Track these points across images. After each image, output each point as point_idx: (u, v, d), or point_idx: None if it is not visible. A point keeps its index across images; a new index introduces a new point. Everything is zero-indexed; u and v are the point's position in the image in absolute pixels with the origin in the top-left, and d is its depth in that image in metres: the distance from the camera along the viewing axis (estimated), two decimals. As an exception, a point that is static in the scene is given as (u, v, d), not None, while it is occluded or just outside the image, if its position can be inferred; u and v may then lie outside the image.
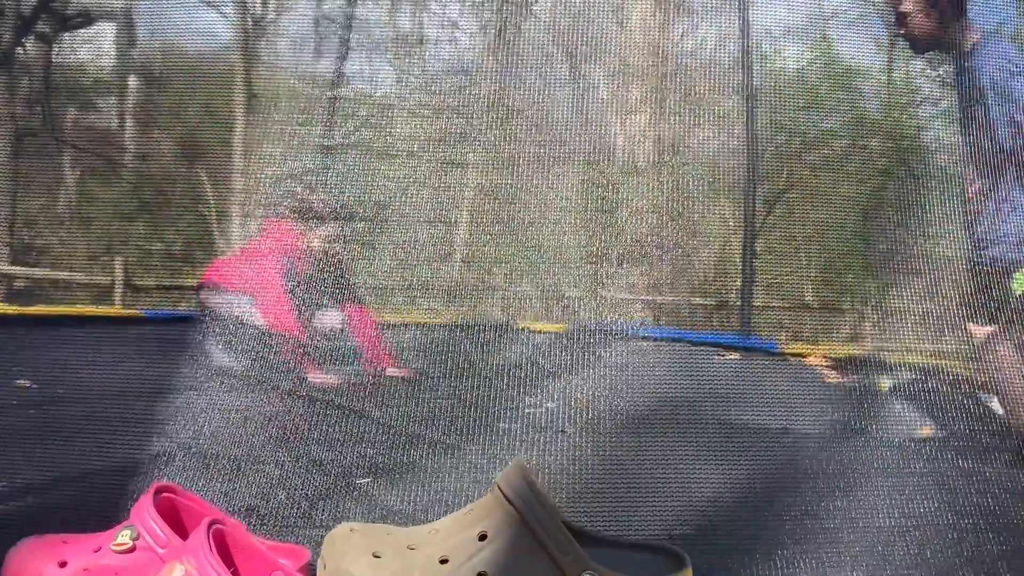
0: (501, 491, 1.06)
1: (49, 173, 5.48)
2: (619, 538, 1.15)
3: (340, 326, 2.83)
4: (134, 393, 1.95)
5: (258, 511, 1.31)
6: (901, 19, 2.50)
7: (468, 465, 1.62)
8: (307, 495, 1.39)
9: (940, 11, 2.42)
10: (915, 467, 1.70)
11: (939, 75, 4.26)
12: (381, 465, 1.59)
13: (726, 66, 4.08)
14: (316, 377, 2.51)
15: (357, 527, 1.10)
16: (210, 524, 0.99)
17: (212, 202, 5.55)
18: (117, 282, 5.04)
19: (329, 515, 1.33)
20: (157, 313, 3.59)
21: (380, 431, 1.80)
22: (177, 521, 1.08)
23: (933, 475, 1.65)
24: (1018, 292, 2.30)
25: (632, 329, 3.29)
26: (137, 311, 3.66)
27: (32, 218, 5.44)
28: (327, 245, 2.71)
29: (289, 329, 2.53)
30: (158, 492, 1.08)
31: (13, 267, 5.12)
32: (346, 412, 1.95)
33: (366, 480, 1.52)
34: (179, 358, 1.88)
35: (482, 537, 1.05)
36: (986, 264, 2.38)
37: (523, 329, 3.60)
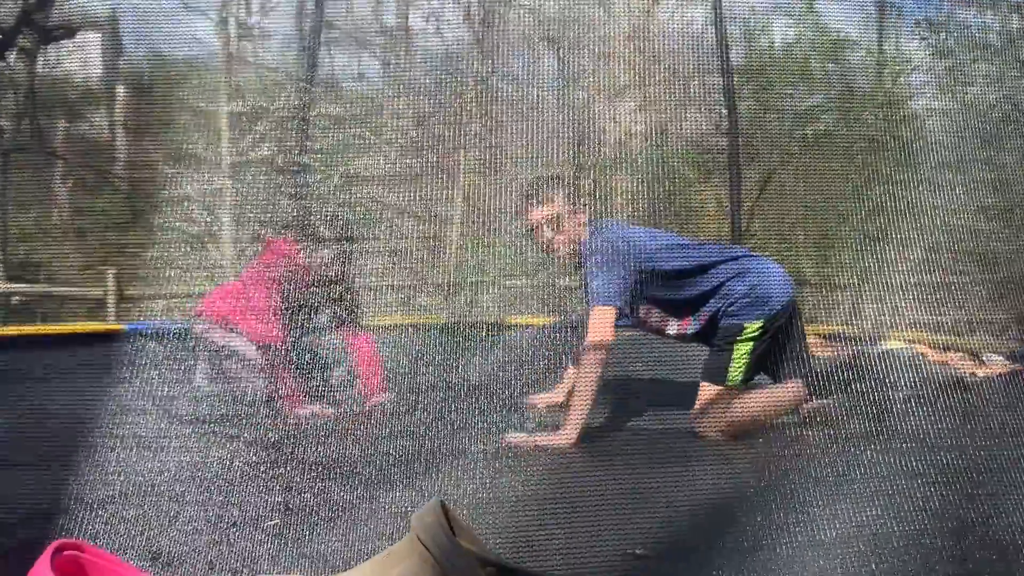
0: (416, 533, 1.02)
1: (39, 187, 5.48)
2: (545, 572, 1.11)
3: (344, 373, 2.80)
4: (65, 432, 1.91)
5: (171, 563, 1.27)
6: (537, 230, 2.65)
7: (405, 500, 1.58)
8: (224, 545, 1.35)
9: (571, 218, 2.62)
10: (856, 473, 1.65)
11: (929, 43, 4.17)
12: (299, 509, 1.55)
13: (713, 46, 4.01)
14: (305, 409, 2.49)
15: (268, 578, 1.07)
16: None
17: (202, 209, 5.52)
18: (110, 294, 5.02)
19: (248, 566, 1.29)
20: (138, 327, 3.56)
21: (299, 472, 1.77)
22: (84, 578, 1.05)
23: (877, 479, 1.60)
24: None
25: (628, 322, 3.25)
26: (118, 325, 3.63)
27: (25, 233, 5.44)
28: (330, 260, 2.68)
29: (273, 340, 2.50)
30: (59, 549, 1.04)
31: (7, 284, 5.12)
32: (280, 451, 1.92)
33: (273, 522, 1.49)
34: (111, 390, 1.84)
35: (396, 582, 1.01)
36: None
37: (515, 325, 3.56)
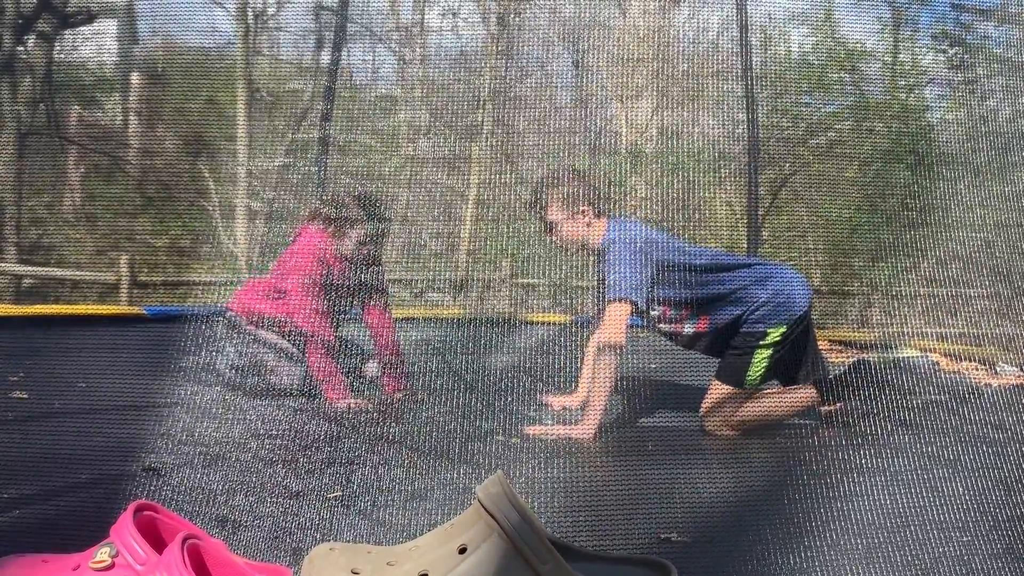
0: (480, 503, 1.05)
1: (54, 171, 5.50)
2: (603, 551, 1.14)
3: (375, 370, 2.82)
4: (125, 406, 1.94)
5: (237, 530, 1.30)
6: (550, 227, 2.64)
7: (458, 479, 1.61)
8: (288, 515, 1.38)
9: (582, 216, 2.62)
10: (899, 464, 1.68)
11: (945, 56, 4.21)
12: (376, 481, 1.58)
13: (729, 51, 4.04)
14: (342, 401, 2.52)
15: (337, 546, 1.09)
16: (185, 539, 0.98)
17: (216, 197, 5.55)
18: (123, 279, 5.05)
19: (310, 536, 1.32)
20: (159, 310, 3.58)
21: (378, 445, 1.80)
22: (158, 539, 1.08)
23: (919, 471, 1.63)
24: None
25: (638, 321, 3.28)
26: (139, 309, 3.65)
27: (38, 217, 5.46)
28: (359, 249, 2.71)
29: (323, 332, 2.54)
30: (139, 510, 1.07)
31: (20, 266, 5.14)
32: (340, 427, 1.95)
33: (335, 494, 1.51)
34: (173, 368, 1.87)
35: (462, 550, 1.03)
36: None
37: (529, 322, 3.59)
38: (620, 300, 2.45)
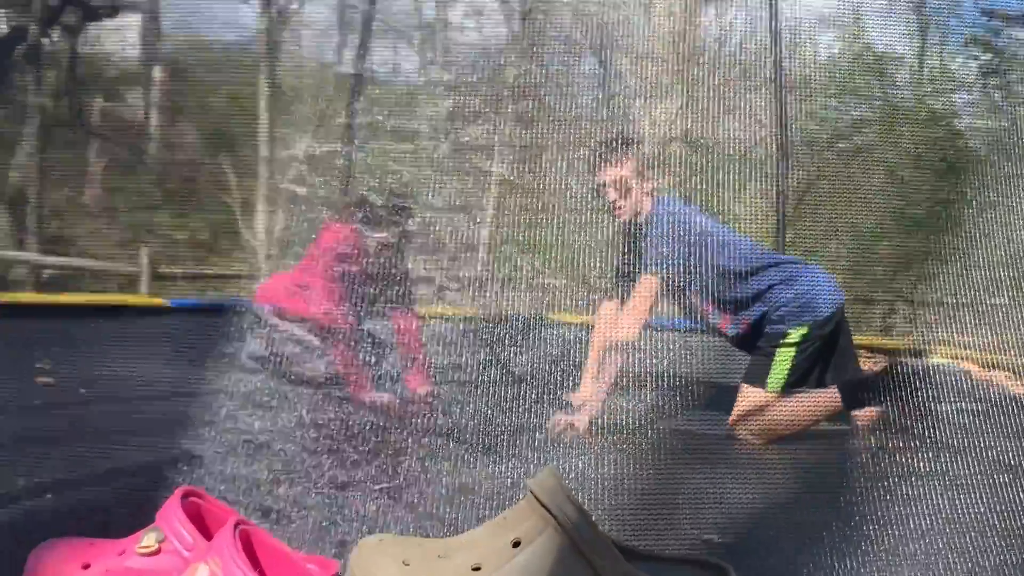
0: (535, 496, 1.03)
1: (76, 163, 5.52)
2: (659, 551, 1.11)
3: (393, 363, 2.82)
4: (159, 393, 1.93)
5: (283, 521, 1.29)
6: (613, 206, 2.67)
7: (499, 473, 1.58)
8: (335, 507, 1.36)
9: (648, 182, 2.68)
10: (954, 471, 1.65)
11: (976, 63, 4.17)
12: (408, 474, 1.56)
13: (755, 53, 4.01)
14: (370, 396, 2.51)
15: (387, 537, 1.07)
16: (236, 524, 0.96)
17: (236, 192, 5.55)
18: (143, 271, 5.06)
19: (356, 528, 1.30)
20: (182, 302, 3.58)
21: (407, 439, 1.78)
22: (202, 526, 1.06)
23: (970, 477, 1.60)
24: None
25: (666, 321, 3.25)
26: (162, 300, 3.65)
27: (60, 208, 5.47)
28: (384, 244, 2.71)
29: (347, 327, 2.53)
30: (185, 496, 1.05)
31: (42, 256, 5.15)
32: (374, 420, 1.93)
33: (381, 486, 1.49)
34: (206, 356, 1.86)
35: (516, 544, 1.01)
36: None
37: (553, 321, 3.57)
38: (653, 275, 2.45)
